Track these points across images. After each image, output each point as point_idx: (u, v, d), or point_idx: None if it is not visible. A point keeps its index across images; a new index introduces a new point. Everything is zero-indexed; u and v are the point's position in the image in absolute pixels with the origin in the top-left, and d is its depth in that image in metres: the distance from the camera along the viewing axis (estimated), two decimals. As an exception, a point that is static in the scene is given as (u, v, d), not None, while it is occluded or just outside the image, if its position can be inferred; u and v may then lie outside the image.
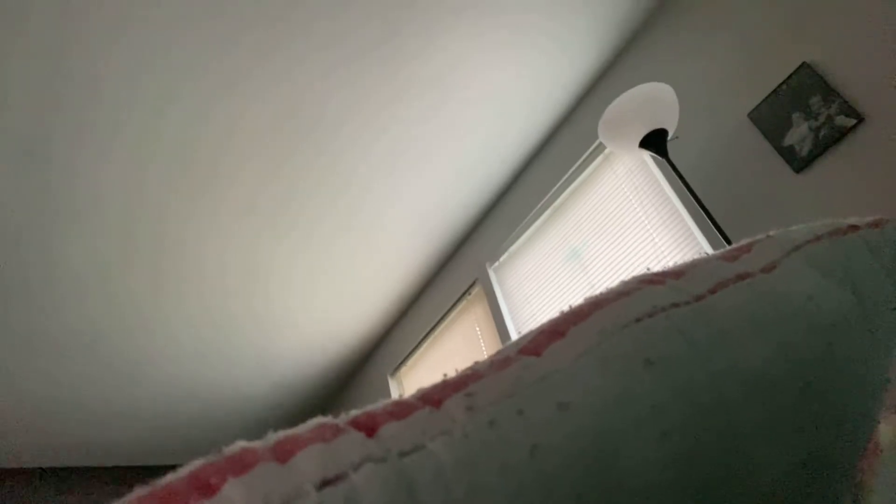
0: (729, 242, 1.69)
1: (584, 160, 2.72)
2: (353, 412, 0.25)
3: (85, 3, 1.88)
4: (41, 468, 4.47)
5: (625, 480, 0.22)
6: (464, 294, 3.38)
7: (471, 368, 0.27)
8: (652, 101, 1.89)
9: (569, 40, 2.54)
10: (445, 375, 0.27)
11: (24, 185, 2.31)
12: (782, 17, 2.02)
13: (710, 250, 2.07)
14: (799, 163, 1.87)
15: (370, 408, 0.25)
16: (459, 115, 2.69)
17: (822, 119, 1.84)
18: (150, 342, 3.42)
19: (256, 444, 0.23)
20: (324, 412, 4.96)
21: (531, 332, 0.28)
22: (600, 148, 2.65)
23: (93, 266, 2.78)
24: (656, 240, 2.28)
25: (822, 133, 1.83)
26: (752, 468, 0.25)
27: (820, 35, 1.90)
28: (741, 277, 0.29)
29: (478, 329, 3.21)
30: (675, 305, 0.27)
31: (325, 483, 0.20)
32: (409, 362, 3.86)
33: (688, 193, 2.13)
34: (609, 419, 0.23)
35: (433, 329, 3.62)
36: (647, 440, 0.23)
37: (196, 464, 0.22)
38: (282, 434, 0.24)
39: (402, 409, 0.23)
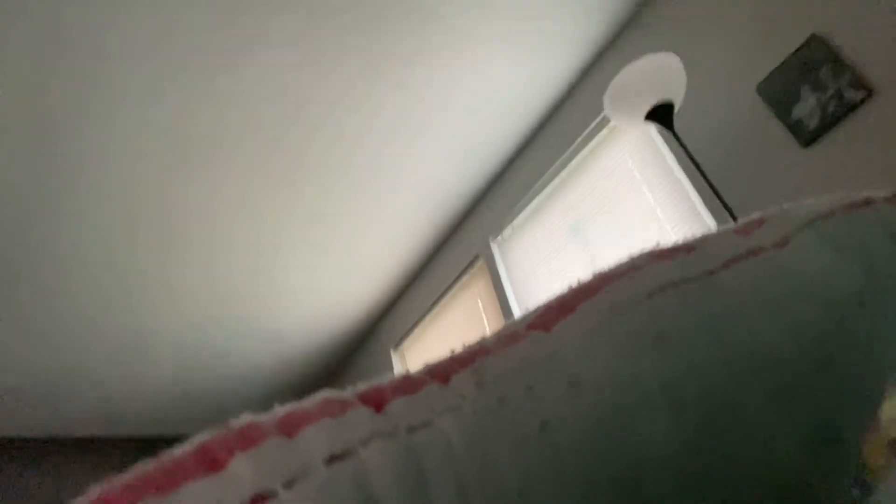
0: (734, 217, 1.68)
1: (588, 133, 2.70)
2: (361, 386, 0.25)
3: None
4: (46, 438, 4.52)
5: (635, 456, 0.22)
6: (466, 268, 3.38)
7: (478, 343, 0.26)
8: (659, 72, 1.86)
9: (575, 10, 2.50)
10: (453, 350, 0.26)
11: (29, 167, 2.31)
12: (792, -12, 1.98)
13: (714, 226, 2.06)
14: (807, 137, 1.85)
15: (378, 382, 0.25)
16: (463, 86, 2.66)
17: (830, 92, 1.81)
18: (154, 316, 3.44)
19: (263, 417, 0.23)
20: (328, 384, 5.00)
21: (539, 307, 0.28)
22: (605, 121, 2.63)
23: (96, 243, 2.79)
24: (660, 215, 2.27)
25: (830, 107, 1.81)
26: (760, 442, 0.25)
27: (830, 6, 1.86)
28: (753, 253, 0.28)
29: (480, 303, 3.22)
30: (687, 281, 0.26)
31: (333, 459, 0.19)
32: (413, 335, 3.87)
33: (693, 167, 2.12)
34: (620, 395, 0.22)
35: (436, 303, 3.63)
36: (658, 416, 0.23)
37: (202, 437, 0.22)
38: (289, 408, 0.24)
39: (410, 385, 0.23)
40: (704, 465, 0.24)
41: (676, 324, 0.25)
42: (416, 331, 3.83)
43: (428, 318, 3.73)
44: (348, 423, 0.21)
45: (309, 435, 0.20)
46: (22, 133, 2.21)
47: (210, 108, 2.37)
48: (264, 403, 5.01)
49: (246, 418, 0.23)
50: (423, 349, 3.73)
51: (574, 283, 0.29)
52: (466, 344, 0.28)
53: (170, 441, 5.19)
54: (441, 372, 0.24)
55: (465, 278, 3.43)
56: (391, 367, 3.96)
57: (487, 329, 3.10)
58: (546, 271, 2.78)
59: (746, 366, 0.25)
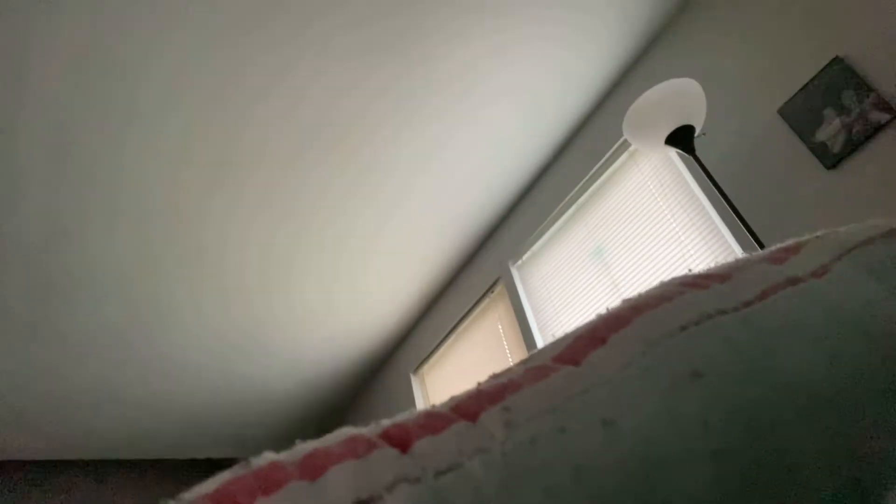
0: (758, 241, 1.66)
1: (608, 157, 2.69)
2: (385, 423, 0.24)
3: (97, 18, 1.90)
4: (69, 461, 4.55)
5: (670, 496, 0.21)
6: (487, 292, 3.37)
7: (505, 376, 0.25)
8: (678, 96, 1.86)
9: (594, 36, 2.51)
10: (479, 384, 0.25)
11: (63, 181, 2.35)
12: (814, 10, 1.97)
13: (738, 250, 2.03)
14: (831, 159, 1.82)
15: (402, 419, 0.24)
16: (483, 111, 2.68)
17: (854, 114, 1.79)
18: (173, 341, 3.46)
19: (284, 457, 0.22)
20: (347, 408, 4.98)
21: (567, 337, 0.27)
22: (625, 145, 2.62)
23: (115, 268, 2.82)
24: (682, 238, 2.25)
25: (855, 129, 1.78)
26: (804, 487, 0.24)
27: (853, 28, 1.85)
28: (792, 282, 0.27)
29: (500, 327, 3.20)
30: (723, 312, 0.25)
31: None
32: (432, 360, 3.85)
33: (715, 191, 2.09)
34: (657, 438, 0.21)
35: (456, 327, 3.61)
36: (698, 462, 0.21)
37: (223, 479, 0.22)
38: (311, 446, 0.23)
39: (437, 423, 0.22)
40: (740, 501, 0.23)
41: (712, 360, 0.23)
42: (436, 355, 3.81)
43: (447, 342, 3.71)
44: (373, 466, 0.20)
45: (332, 478, 0.20)
46: (60, 147, 2.26)
47: (232, 130, 2.40)
48: (283, 427, 5.00)
49: (267, 457, 0.22)
50: (442, 374, 3.70)
51: (603, 312, 0.27)
52: (493, 375, 0.27)
53: (188, 464, 5.19)
54: (468, 409, 0.23)
55: (485, 302, 3.41)
56: (410, 392, 3.94)
57: (508, 353, 3.07)
58: (567, 295, 2.76)
59: (788, 406, 0.24)
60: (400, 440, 0.22)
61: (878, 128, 1.73)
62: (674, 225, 2.29)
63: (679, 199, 2.30)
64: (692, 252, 2.19)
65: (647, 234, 2.40)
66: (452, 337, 3.67)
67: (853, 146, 1.78)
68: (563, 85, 2.69)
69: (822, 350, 0.25)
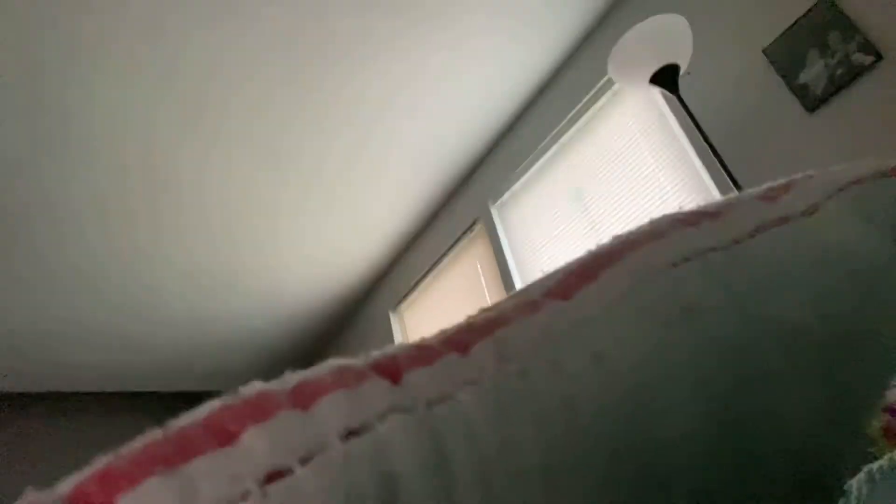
0: (736, 184, 1.67)
1: (592, 96, 2.66)
2: (374, 354, 0.24)
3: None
4: (42, 392, 4.58)
5: (659, 431, 0.22)
6: (466, 231, 3.37)
7: (496, 310, 0.25)
8: (665, 33, 1.83)
9: (580, -31, 2.44)
10: (469, 317, 0.26)
11: (18, 120, 2.28)
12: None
13: (716, 192, 2.05)
14: (813, 102, 1.82)
15: (392, 350, 0.24)
16: (463, 45, 2.61)
17: (838, 56, 1.78)
18: (151, 276, 3.44)
19: (274, 386, 0.22)
20: (327, 344, 5.04)
21: (558, 272, 0.27)
22: (609, 84, 2.58)
23: (91, 201, 2.77)
24: (662, 179, 2.25)
25: (837, 71, 1.78)
26: (780, 413, 0.25)
27: (841, -32, 1.82)
28: (782, 221, 0.27)
29: (479, 266, 3.22)
30: (713, 250, 0.25)
31: (349, 433, 0.19)
32: (411, 298, 3.89)
33: (697, 133, 2.09)
34: (645, 369, 0.22)
35: (435, 265, 3.63)
36: (682, 390, 0.22)
37: (212, 407, 0.22)
38: (301, 377, 0.23)
39: (427, 354, 0.22)
40: (725, 437, 0.23)
41: (702, 296, 0.24)
42: (415, 294, 3.84)
43: (427, 280, 3.73)
44: (364, 396, 0.20)
45: (324, 407, 0.20)
46: (8, 89, 2.18)
47: (206, 67, 2.33)
48: (262, 362, 5.05)
49: (257, 386, 0.22)
50: (421, 312, 3.74)
51: (594, 248, 0.28)
52: (483, 309, 0.27)
53: (165, 397, 5.26)
54: (459, 341, 0.23)
55: (464, 242, 3.42)
56: (390, 330, 3.99)
57: (486, 292, 3.11)
58: (546, 236, 2.78)
59: (770, 338, 0.24)
60: (390, 371, 0.22)
61: (861, 70, 1.73)
62: (654, 166, 2.30)
63: (661, 140, 2.29)
64: (671, 194, 2.20)
65: (627, 176, 2.41)
66: (431, 275, 3.69)
67: (835, 89, 1.78)
68: (547, 19, 2.62)
69: (807, 286, 0.26)
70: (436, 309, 3.58)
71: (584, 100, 2.67)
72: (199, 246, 3.33)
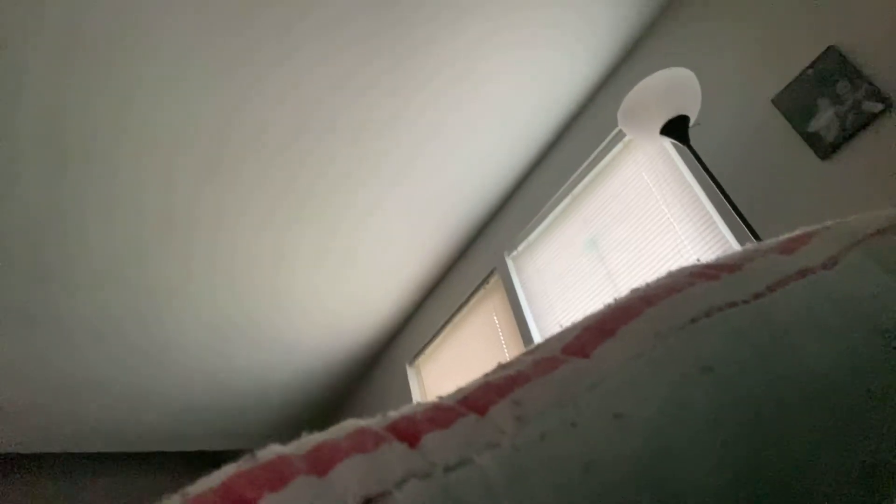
0: (753, 231, 1.66)
1: (603, 148, 2.69)
2: (391, 415, 0.24)
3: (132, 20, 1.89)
4: (64, 453, 4.54)
5: (678, 492, 0.21)
6: (482, 283, 3.37)
7: (513, 367, 0.25)
8: (673, 86, 1.85)
9: (588, 26, 2.50)
10: (486, 376, 0.25)
11: (55, 166, 2.34)
12: (806, 1, 1.97)
13: (733, 240, 2.04)
14: (825, 149, 1.83)
15: (409, 411, 0.23)
16: (477, 102, 2.66)
17: (848, 104, 1.79)
18: (176, 328, 3.46)
19: (291, 450, 0.22)
20: (344, 399, 4.99)
21: (575, 328, 0.27)
22: (620, 135, 2.61)
23: (107, 256, 2.81)
24: (677, 229, 2.25)
25: (848, 119, 1.78)
26: (810, 477, 0.24)
27: (847, 18, 1.85)
28: (801, 274, 0.27)
29: (496, 318, 3.20)
30: (733, 305, 0.25)
31: (367, 501, 0.18)
32: (428, 351, 3.86)
33: (710, 181, 2.10)
34: (667, 432, 0.21)
35: (451, 318, 3.61)
36: (705, 453, 0.21)
37: (229, 472, 0.21)
38: (317, 439, 0.22)
39: (445, 416, 0.22)
40: (755, 499, 0.22)
41: (722, 353, 0.23)
42: (432, 346, 3.82)
43: (443, 333, 3.71)
44: (382, 461, 0.20)
45: (341, 473, 0.19)
46: (57, 151, 2.25)
47: (234, 120, 2.39)
48: (278, 419, 5.00)
49: (274, 450, 0.22)
50: (438, 365, 3.70)
51: (611, 302, 0.27)
52: (500, 366, 0.27)
53: (186, 457, 5.19)
54: (477, 402, 0.23)
55: (480, 293, 3.41)
56: (406, 383, 3.94)
57: (503, 344, 3.08)
58: (562, 286, 2.76)
59: (795, 396, 0.23)
60: (408, 434, 0.21)
61: (872, 117, 1.73)
62: (668, 215, 2.30)
63: (674, 190, 2.30)
64: (686, 243, 2.19)
65: (641, 225, 2.41)
66: (448, 328, 3.67)
67: (846, 136, 1.78)
68: (558, 76, 2.68)
69: (831, 342, 0.25)
70: (453, 361, 3.54)
71: (597, 151, 2.70)
72: (216, 300, 3.35)
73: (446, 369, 3.60)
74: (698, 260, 0.28)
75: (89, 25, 1.94)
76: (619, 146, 2.62)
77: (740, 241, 2.00)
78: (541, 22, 2.41)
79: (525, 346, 2.85)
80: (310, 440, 0.23)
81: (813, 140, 1.86)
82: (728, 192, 2.07)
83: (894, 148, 1.68)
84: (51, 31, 1.93)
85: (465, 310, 3.53)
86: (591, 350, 0.24)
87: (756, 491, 0.22)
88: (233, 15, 2.04)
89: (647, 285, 0.27)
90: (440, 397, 0.25)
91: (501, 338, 3.11)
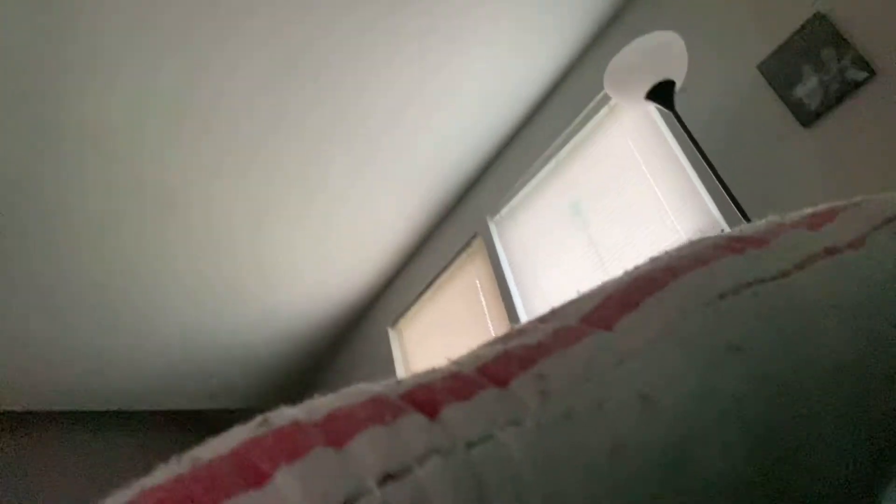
0: (733, 198, 1.67)
1: (588, 112, 2.67)
2: (407, 382, 0.23)
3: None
4: (34, 411, 4.53)
5: (702, 477, 0.20)
6: (464, 247, 3.37)
7: (532, 336, 0.24)
8: (660, 50, 1.83)
9: (576, -14, 2.46)
10: (505, 344, 0.24)
11: (28, 131, 2.28)
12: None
13: (713, 206, 2.05)
14: (808, 117, 1.83)
15: (427, 379, 0.22)
16: (461, 61, 2.62)
17: (833, 72, 1.79)
18: (153, 290, 3.43)
19: (304, 416, 0.21)
20: (326, 361, 5.00)
21: (594, 295, 0.26)
22: (605, 100, 2.60)
23: (84, 218, 2.76)
24: (659, 195, 2.26)
25: (832, 86, 1.79)
26: (829, 457, 0.24)
27: (834, -14, 1.84)
28: (829, 252, 0.26)
29: (478, 282, 3.21)
30: (760, 282, 0.24)
31: (387, 478, 0.17)
32: (409, 314, 3.87)
33: (693, 148, 2.09)
34: (693, 413, 0.21)
35: (433, 281, 3.62)
36: (728, 434, 0.21)
37: (240, 437, 0.20)
38: (331, 405, 0.22)
39: (465, 387, 0.21)
40: (767, 479, 0.22)
41: (751, 333, 0.23)
42: (413, 309, 3.83)
43: (425, 296, 3.72)
44: (402, 434, 0.19)
45: (360, 447, 0.19)
46: (17, 98, 2.17)
47: (210, 81, 2.33)
48: (261, 379, 5.01)
49: (287, 415, 0.21)
50: (420, 328, 3.72)
51: (631, 269, 0.26)
52: (517, 332, 0.26)
53: (170, 415, 5.21)
54: (497, 373, 0.22)
55: (462, 257, 3.42)
56: (388, 346, 3.96)
57: (485, 308, 3.09)
58: (544, 251, 2.77)
59: (819, 377, 0.23)
60: (427, 405, 0.21)
61: (856, 86, 1.74)
62: (652, 182, 2.30)
63: (658, 156, 2.30)
64: (669, 210, 2.20)
65: (625, 191, 2.41)
66: (430, 291, 3.68)
67: (830, 104, 1.79)
68: (543, 37, 2.64)
69: (856, 325, 0.24)
70: (435, 325, 3.56)
71: (581, 115, 2.68)
72: (198, 262, 3.31)
73: (428, 332, 3.62)
74: (722, 231, 0.28)
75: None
76: (605, 110, 2.61)
77: (721, 208, 2.02)
78: (528, -19, 2.36)
79: (507, 310, 2.87)
80: (322, 405, 0.22)
81: (797, 107, 1.86)
82: (711, 158, 2.08)
83: (877, 116, 1.69)
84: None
85: (447, 273, 3.54)
86: (613, 322, 0.23)
87: (774, 470, 0.22)
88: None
89: (670, 255, 0.26)
90: (455, 362, 0.24)
91: (483, 302, 3.13)
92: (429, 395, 0.21)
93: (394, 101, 2.69)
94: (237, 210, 3.02)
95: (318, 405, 0.22)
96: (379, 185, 3.17)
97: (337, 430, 0.19)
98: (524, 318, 2.79)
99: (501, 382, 0.21)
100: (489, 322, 3.05)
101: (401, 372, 3.77)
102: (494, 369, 0.22)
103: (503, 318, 2.94)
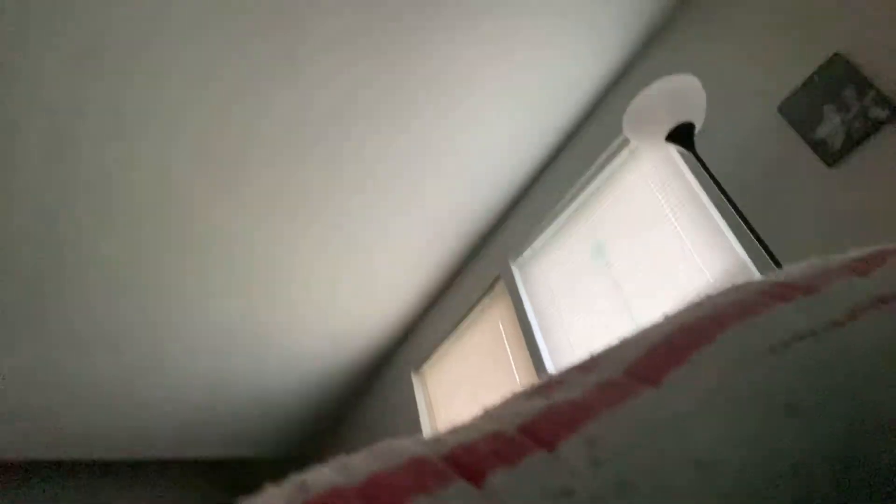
0: (759, 238, 1.65)
1: (608, 155, 2.68)
2: (448, 440, 0.22)
3: (112, 17, 1.89)
4: (47, 460, 4.51)
5: None
6: (487, 290, 3.35)
7: (575, 389, 0.23)
8: (678, 93, 1.84)
9: (594, 33, 2.49)
10: (548, 401, 0.23)
11: (57, 182, 2.34)
12: (814, 5, 1.96)
13: (739, 248, 2.03)
14: (831, 156, 1.82)
15: (468, 439, 0.21)
16: (484, 109, 2.66)
17: (854, 111, 1.78)
18: (175, 338, 3.44)
19: (343, 480, 0.20)
20: (349, 408, 4.95)
21: (638, 344, 0.25)
22: (626, 142, 2.61)
23: (119, 263, 2.80)
24: (683, 236, 2.24)
25: (855, 126, 1.78)
26: None
27: (853, 24, 1.84)
28: (882, 301, 0.25)
29: (501, 325, 3.19)
30: (813, 334, 0.23)
31: None
32: (433, 359, 3.84)
33: (716, 189, 2.09)
34: (750, 480, 0.19)
35: (457, 325, 3.59)
36: (786, 500, 0.20)
37: (276, 500, 0.20)
38: (370, 467, 0.21)
39: (510, 450, 0.20)
40: None
41: (806, 390, 0.21)
42: (437, 354, 3.79)
43: (449, 340, 3.69)
44: None
45: None
46: (50, 151, 2.24)
47: (237, 128, 2.39)
48: (284, 425, 4.96)
49: (325, 479, 0.20)
50: (444, 372, 3.68)
51: (673, 315, 0.25)
52: (555, 382, 0.25)
53: (191, 464, 5.16)
54: (542, 433, 0.21)
55: (485, 300, 3.40)
56: (412, 391, 3.92)
57: (509, 351, 3.06)
58: (568, 293, 2.75)
59: (875, 439, 0.22)
60: (471, 469, 0.20)
61: (878, 124, 1.73)
62: (675, 223, 2.28)
63: (679, 197, 2.29)
64: (692, 249, 2.18)
65: (648, 233, 2.39)
66: (454, 335, 3.65)
67: (853, 143, 1.77)
68: (564, 82, 2.67)
69: None
70: (458, 370, 3.52)
71: (602, 158, 2.69)
72: (223, 308, 3.33)
73: (452, 377, 3.58)
74: (768, 277, 0.27)
75: (110, 36, 1.94)
76: (625, 153, 2.61)
77: (747, 249, 1.99)
78: (547, 28, 2.40)
79: (531, 354, 2.83)
80: (360, 466, 0.21)
81: (819, 147, 1.85)
82: (734, 199, 2.07)
83: (902, 154, 1.67)
84: (68, 40, 1.92)
85: (470, 317, 3.52)
86: (660, 377, 0.22)
87: None
88: (225, 16, 2.04)
89: (714, 301, 0.25)
90: (492, 417, 0.23)
91: (507, 345, 3.09)
92: (472, 458, 0.20)
93: (419, 151, 2.73)
94: (259, 259, 3.05)
95: (356, 466, 0.21)
96: (402, 230, 3.19)
97: (379, 498, 0.19)
98: (548, 361, 2.75)
99: (548, 444, 0.20)
100: (513, 366, 3.01)
101: (425, 418, 3.72)
102: (539, 429, 0.21)
103: (527, 361, 2.90)
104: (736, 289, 0.26)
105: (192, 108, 2.26)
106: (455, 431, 0.23)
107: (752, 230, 1.65)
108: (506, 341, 3.11)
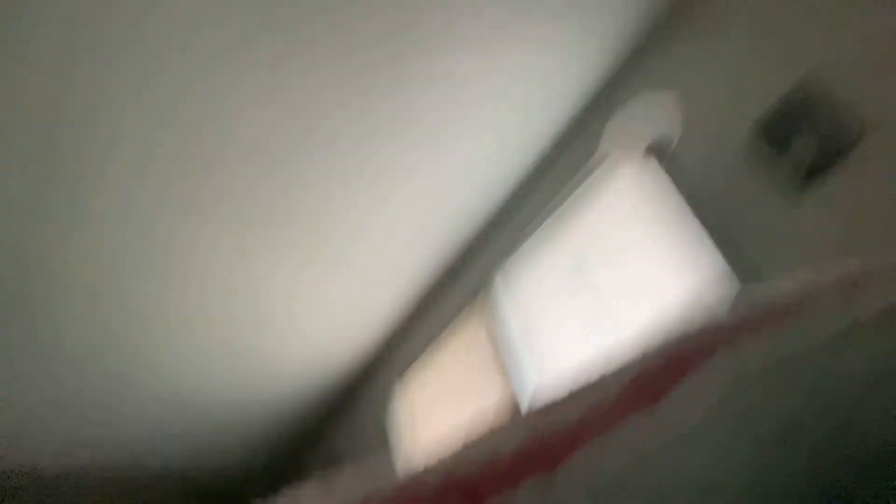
0: (728, 260, 1.66)
1: (587, 170, 2.70)
2: (445, 463, 0.21)
3: (90, 19, 1.87)
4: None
5: None
6: (468, 305, 3.35)
7: (571, 410, 0.23)
8: (655, 109, 1.88)
9: (574, 49, 2.52)
10: (540, 414, 0.23)
11: (26, 195, 2.30)
12: (785, 31, 2.01)
13: (720, 261, 2.05)
14: (804, 174, 1.85)
15: (465, 461, 0.21)
16: (462, 124, 2.67)
17: (823, 136, 1.82)
18: (152, 352, 3.38)
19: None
20: (327, 422, 4.88)
21: (634, 360, 0.25)
22: (604, 157, 2.63)
23: (93, 278, 2.76)
24: (662, 250, 2.26)
25: (825, 146, 1.81)
26: None
27: (826, 44, 1.89)
28: (860, 326, 0.26)
29: (482, 340, 3.18)
30: (800, 357, 0.24)
31: None
32: (413, 374, 3.81)
33: (692, 204, 2.12)
34: (752, 500, 0.20)
35: (437, 340, 3.58)
36: None
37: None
38: (364, 495, 0.20)
39: (506, 475, 0.20)
40: None
41: (802, 412, 0.22)
42: (417, 369, 3.77)
43: (429, 355, 3.67)
44: None
45: None
46: (19, 163, 2.20)
47: (213, 141, 2.37)
48: (267, 438, 4.88)
49: None
50: (423, 389, 3.66)
51: (667, 333, 0.25)
52: (551, 405, 0.25)
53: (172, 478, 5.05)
54: (539, 457, 0.21)
55: (466, 316, 3.40)
56: (392, 405, 3.89)
57: (490, 366, 3.05)
58: (547, 307, 2.76)
59: (865, 463, 0.22)
60: (471, 495, 0.19)
61: (849, 145, 1.76)
62: (654, 237, 2.31)
63: (658, 211, 2.32)
64: (672, 264, 2.20)
65: (627, 247, 2.42)
66: (434, 350, 3.64)
67: (826, 162, 1.81)
68: (544, 97, 2.70)
69: (885, 403, 0.24)
70: (438, 386, 3.51)
71: (581, 174, 2.72)
72: (202, 322, 3.29)
73: (432, 394, 3.57)
74: (753, 296, 0.27)
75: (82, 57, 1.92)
76: (603, 169, 2.64)
77: (716, 265, 2.02)
78: (527, 44, 2.43)
79: (511, 369, 2.83)
80: (350, 492, 0.21)
81: (790, 167, 1.88)
82: (706, 215, 2.09)
83: (872, 174, 1.70)
84: (39, 42, 1.90)
85: (451, 328, 3.51)
86: (658, 397, 0.22)
87: None
88: (209, 22, 2.04)
89: (703, 319, 0.26)
90: (492, 437, 0.23)
91: (489, 360, 3.09)
92: (469, 487, 0.20)
93: (395, 159, 2.73)
94: (237, 269, 3.02)
95: (346, 489, 0.21)
96: (380, 245, 3.18)
97: None
98: (529, 374, 2.76)
99: (545, 467, 0.20)
100: (495, 380, 3.00)
101: (406, 433, 3.69)
102: (535, 452, 0.21)
103: (508, 375, 2.90)
104: (737, 307, 0.27)
105: (159, 131, 2.25)
106: (456, 453, 0.23)
107: (719, 247, 1.67)
108: (487, 356, 3.11)
